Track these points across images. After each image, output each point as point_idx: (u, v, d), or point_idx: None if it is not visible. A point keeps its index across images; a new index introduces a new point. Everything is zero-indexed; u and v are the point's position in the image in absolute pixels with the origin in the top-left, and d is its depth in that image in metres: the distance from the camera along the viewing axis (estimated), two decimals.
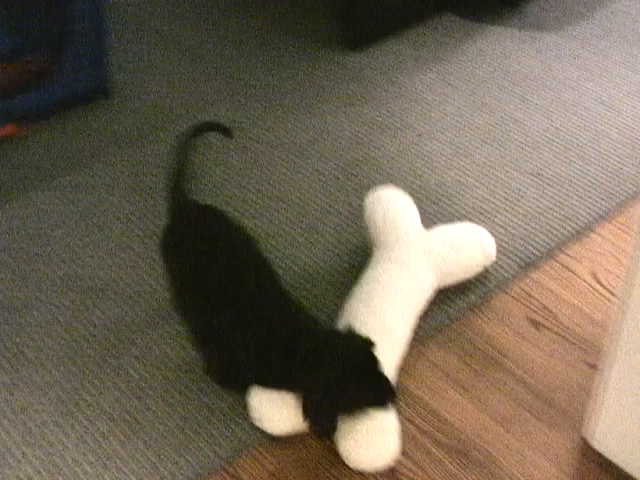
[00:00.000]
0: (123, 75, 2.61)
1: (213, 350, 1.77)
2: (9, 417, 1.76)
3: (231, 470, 1.68)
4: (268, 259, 1.81)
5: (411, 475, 1.66)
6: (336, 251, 2.06)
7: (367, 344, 1.65)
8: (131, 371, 1.83)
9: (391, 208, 1.97)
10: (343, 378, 1.61)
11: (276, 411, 1.68)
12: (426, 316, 1.89)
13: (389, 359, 1.73)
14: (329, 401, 1.62)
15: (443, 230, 1.97)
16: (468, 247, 1.93)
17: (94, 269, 2.04)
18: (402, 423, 1.72)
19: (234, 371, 1.72)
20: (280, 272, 1.88)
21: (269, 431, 1.69)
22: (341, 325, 1.78)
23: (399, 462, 1.68)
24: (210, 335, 1.75)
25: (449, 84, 2.56)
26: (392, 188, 2.04)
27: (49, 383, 1.82)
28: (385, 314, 1.79)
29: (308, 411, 1.63)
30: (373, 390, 1.64)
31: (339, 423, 1.65)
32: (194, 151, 2.27)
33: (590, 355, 1.82)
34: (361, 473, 1.66)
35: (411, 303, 1.83)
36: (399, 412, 1.73)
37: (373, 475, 1.67)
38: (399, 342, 1.78)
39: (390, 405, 1.66)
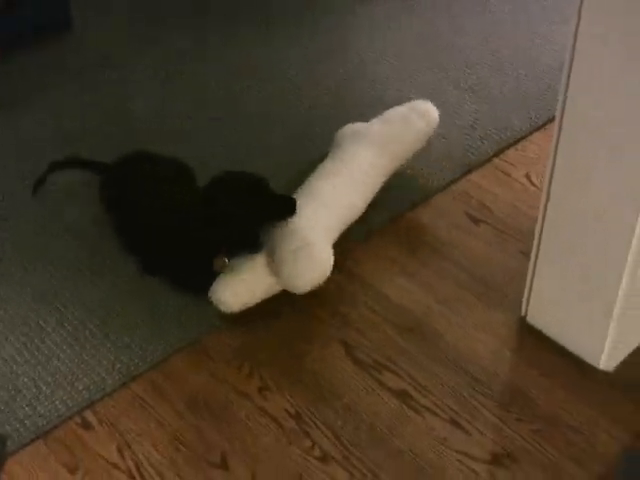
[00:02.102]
0: (85, 10, 2.72)
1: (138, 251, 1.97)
2: None
3: (198, 347, 1.82)
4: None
5: (366, 351, 1.81)
6: (285, 159, 2.21)
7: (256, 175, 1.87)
8: (104, 265, 1.96)
9: (347, 130, 2.12)
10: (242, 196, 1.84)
11: (228, 290, 1.82)
12: (374, 213, 2.03)
13: (316, 217, 1.88)
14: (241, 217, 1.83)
15: (382, 115, 2.12)
16: (404, 118, 2.08)
17: (64, 175, 2.16)
18: (357, 306, 1.88)
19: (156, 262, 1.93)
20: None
21: (227, 309, 1.83)
22: None
23: (354, 339, 1.83)
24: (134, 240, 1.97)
25: (392, 19, 2.71)
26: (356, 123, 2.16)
27: (28, 278, 1.94)
28: (317, 186, 1.95)
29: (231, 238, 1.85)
30: (271, 203, 1.85)
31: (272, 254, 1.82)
32: None
33: (524, 244, 1.96)
34: (320, 348, 1.81)
35: (351, 179, 1.97)
36: (354, 296, 1.89)
37: (326, 347, 1.80)
38: (331, 203, 1.93)
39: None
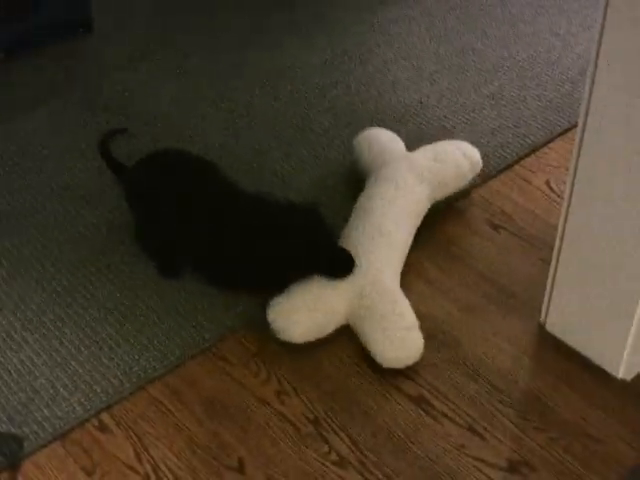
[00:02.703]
0: (106, 13, 2.73)
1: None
2: (8, 307, 1.89)
3: (215, 351, 1.81)
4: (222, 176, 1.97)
5: None
6: (310, 163, 2.21)
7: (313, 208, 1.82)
8: (122, 267, 1.96)
9: (376, 141, 2.12)
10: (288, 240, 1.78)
11: (298, 326, 1.79)
12: None
13: (391, 260, 1.87)
14: (279, 262, 1.78)
15: (426, 148, 2.10)
16: (452, 158, 2.06)
17: (83, 180, 2.17)
18: None
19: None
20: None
21: (289, 339, 1.80)
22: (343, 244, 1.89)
23: None
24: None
25: (412, 19, 2.71)
26: (376, 128, 2.18)
27: (46, 278, 1.94)
28: (383, 222, 1.91)
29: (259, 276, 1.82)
30: (325, 255, 1.81)
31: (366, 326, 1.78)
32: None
33: (544, 252, 1.96)
34: (338, 353, 1.81)
35: (407, 215, 1.95)
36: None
37: (344, 353, 1.80)
38: (397, 244, 1.90)
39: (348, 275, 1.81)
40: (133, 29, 2.70)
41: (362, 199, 1.97)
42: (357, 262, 1.82)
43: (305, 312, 1.78)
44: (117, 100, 2.41)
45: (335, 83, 2.47)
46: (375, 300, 1.79)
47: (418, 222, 1.97)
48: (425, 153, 2.07)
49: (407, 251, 1.93)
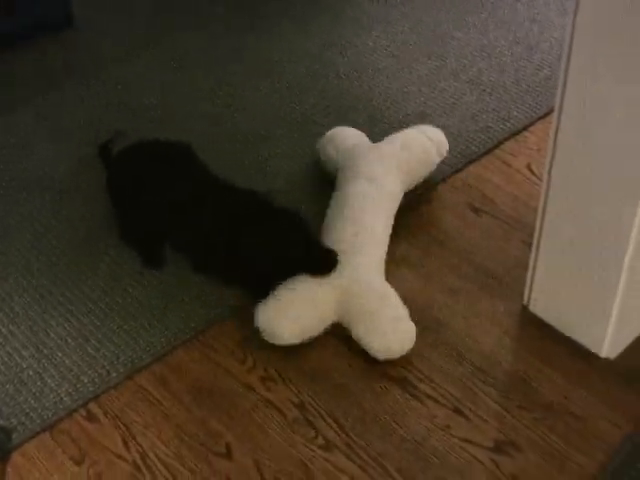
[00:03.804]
0: (87, 8, 2.73)
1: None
2: None
3: (202, 339, 1.83)
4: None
5: None
6: (289, 153, 2.22)
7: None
8: (106, 257, 1.97)
9: (340, 139, 2.11)
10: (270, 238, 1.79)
11: (286, 329, 1.77)
12: None
13: (374, 255, 1.88)
14: (261, 258, 1.79)
15: (391, 137, 2.11)
16: (418, 143, 2.08)
17: (65, 174, 2.18)
18: None
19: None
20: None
21: (277, 342, 1.79)
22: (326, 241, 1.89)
23: None
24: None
25: (390, 9, 2.72)
26: (338, 127, 2.18)
27: (31, 271, 1.95)
28: (362, 218, 1.91)
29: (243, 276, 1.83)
30: (306, 252, 1.80)
31: (360, 319, 1.78)
32: None
33: (526, 234, 1.98)
34: (322, 339, 1.82)
35: (384, 207, 1.96)
36: None
37: (329, 337, 1.82)
38: (378, 238, 1.91)
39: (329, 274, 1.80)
40: (129, 21, 2.71)
41: (337, 196, 1.97)
42: (341, 260, 1.82)
43: (294, 316, 1.78)
44: (97, 96, 2.41)
45: (318, 75, 2.48)
46: (364, 297, 1.79)
47: (394, 212, 1.98)
48: (391, 143, 2.08)
49: (387, 242, 1.93)
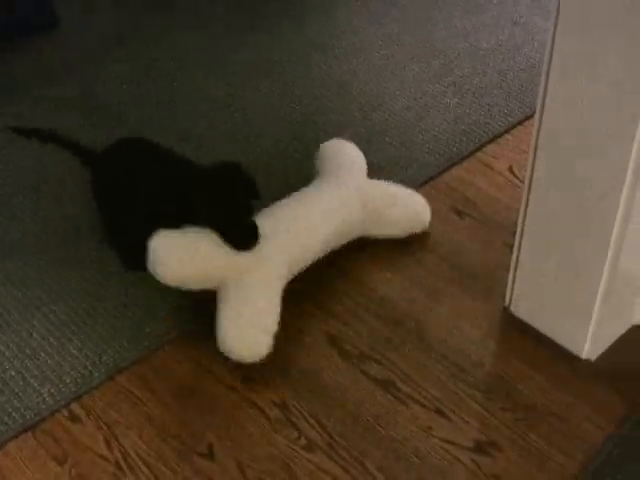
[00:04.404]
0: (72, 9, 2.73)
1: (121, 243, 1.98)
2: None
3: (184, 340, 1.83)
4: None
5: (352, 342, 1.82)
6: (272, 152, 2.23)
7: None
8: (89, 259, 1.98)
9: (340, 154, 2.03)
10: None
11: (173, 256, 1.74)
12: None
13: (290, 251, 1.83)
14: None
15: (385, 184, 2.01)
16: (403, 205, 1.99)
17: (52, 177, 2.18)
18: (342, 299, 1.90)
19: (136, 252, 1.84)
20: None
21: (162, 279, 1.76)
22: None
23: (340, 331, 1.84)
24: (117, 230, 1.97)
25: (374, 12, 2.74)
26: (342, 140, 2.08)
27: (13, 271, 1.95)
28: (309, 211, 1.87)
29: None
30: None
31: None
32: None
33: (508, 237, 1.97)
34: (305, 340, 1.83)
35: (334, 218, 1.89)
36: (340, 289, 1.90)
37: (312, 339, 1.82)
38: (310, 240, 1.86)
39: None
40: (98, 25, 2.71)
41: (303, 189, 1.94)
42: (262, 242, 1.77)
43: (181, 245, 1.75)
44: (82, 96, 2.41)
45: (301, 76, 2.49)
46: (247, 286, 1.75)
47: (341, 238, 1.92)
48: (382, 188, 2.00)
49: (322, 252, 1.89)
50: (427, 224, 2.02)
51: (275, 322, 1.76)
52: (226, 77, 2.48)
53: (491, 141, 2.27)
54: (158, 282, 1.87)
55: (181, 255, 1.74)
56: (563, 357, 1.77)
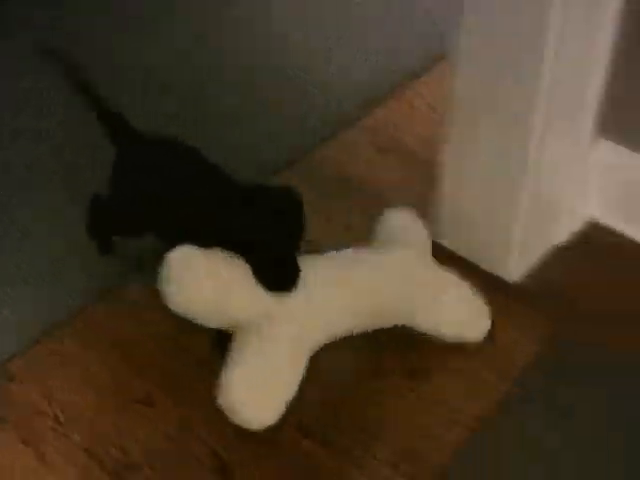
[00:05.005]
0: None
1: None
2: None
3: (119, 294, 1.84)
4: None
5: None
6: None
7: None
8: (21, 219, 1.98)
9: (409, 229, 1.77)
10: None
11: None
12: (281, 151, 2.10)
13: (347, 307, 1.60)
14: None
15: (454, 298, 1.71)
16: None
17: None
18: None
19: None
20: None
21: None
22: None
23: None
24: None
25: None
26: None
27: None
28: (364, 274, 1.63)
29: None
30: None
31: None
32: None
33: (432, 171, 1.99)
34: None
35: (375, 298, 1.62)
36: None
37: None
38: (363, 302, 1.60)
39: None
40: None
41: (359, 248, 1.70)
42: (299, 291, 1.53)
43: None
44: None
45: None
46: (273, 340, 1.52)
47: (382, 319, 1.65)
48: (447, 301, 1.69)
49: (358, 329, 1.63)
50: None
51: (293, 394, 1.51)
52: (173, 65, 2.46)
53: (411, 79, 2.30)
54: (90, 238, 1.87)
55: (201, 276, 1.49)
56: (489, 282, 1.80)
